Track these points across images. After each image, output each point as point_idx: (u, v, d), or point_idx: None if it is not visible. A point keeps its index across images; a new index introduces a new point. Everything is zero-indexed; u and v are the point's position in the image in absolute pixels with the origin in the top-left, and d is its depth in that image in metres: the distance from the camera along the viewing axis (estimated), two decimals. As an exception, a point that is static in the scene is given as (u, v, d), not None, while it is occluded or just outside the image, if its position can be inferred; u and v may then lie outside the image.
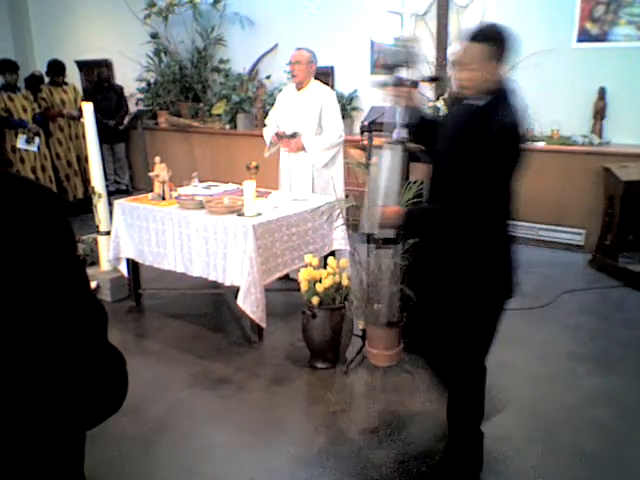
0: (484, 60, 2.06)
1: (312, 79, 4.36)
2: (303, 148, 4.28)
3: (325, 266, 3.45)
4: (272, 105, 4.72)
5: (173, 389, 3.20)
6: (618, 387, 3.09)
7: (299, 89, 4.36)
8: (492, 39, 2.09)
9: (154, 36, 7.80)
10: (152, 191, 4.17)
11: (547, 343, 3.59)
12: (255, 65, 7.38)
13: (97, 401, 0.94)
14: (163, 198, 4.07)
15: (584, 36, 5.36)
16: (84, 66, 9.02)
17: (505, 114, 2.05)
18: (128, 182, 8.21)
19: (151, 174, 4.14)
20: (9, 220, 0.80)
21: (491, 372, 3.22)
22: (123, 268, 4.27)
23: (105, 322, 0.94)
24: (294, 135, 4.27)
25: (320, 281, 3.26)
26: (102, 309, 0.94)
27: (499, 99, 2.09)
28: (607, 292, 4.35)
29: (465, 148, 2.09)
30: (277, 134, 4.39)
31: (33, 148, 6.53)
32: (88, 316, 0.90)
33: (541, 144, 5.39)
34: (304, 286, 3.30)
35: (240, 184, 3.99)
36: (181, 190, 4.23)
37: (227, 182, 4.62)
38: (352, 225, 4.10)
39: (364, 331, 3.36)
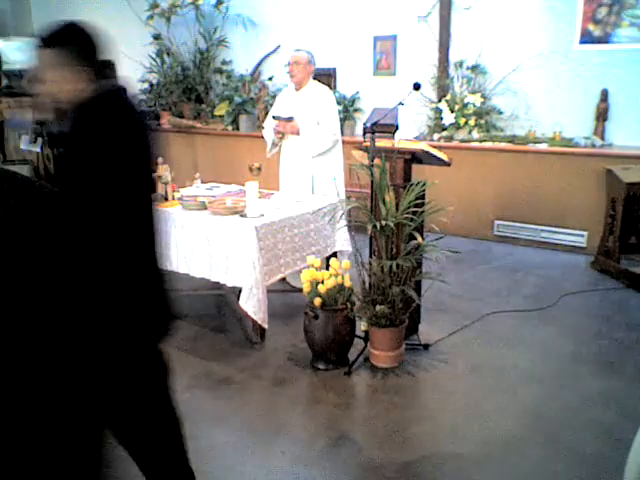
0: (62, 68, 1.67)
1: (311, 79, 4.39)
2: (297, 132, 4.31)
3: (327, 267, 3.46)
4: (274, 103, 4.74)
5: (175, 390, 3.19)
6: (620, 389, 3.09)
7: (298, 89, 4.39)
8: (67, 41, 1.71)
9: (157, 37, 7.82)
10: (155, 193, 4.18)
11: (549, 344, 3.59)
12: (257, 66, 7.39)
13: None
14: (166, 199, 4.08)
15: (586, 38, 5.36)
16: (87, 67, 9.03)
17: (107, 133, 1.61)
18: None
19: (153, 175, 4.14)
20: (16, 216, 0.81)
21: (490, 374, 3.25)
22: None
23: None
24: (290, 119, 4.30)
25: (322, 282, 3.27)
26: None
27: (93, 112, 1.66)
28: (609, 294, 4.35)
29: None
30: (273, 117, 4.43)
31: (36, 149, 6.55)
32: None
33: (543, 145, 5.40)
34: (306, 287, 3.30)
35: (242, 185, 4.00)
36: (184, 191, 4.24)
37: (229, 183, 4.63)
38: (354, 226, 4.11)
39: (366, 332, 3.36)
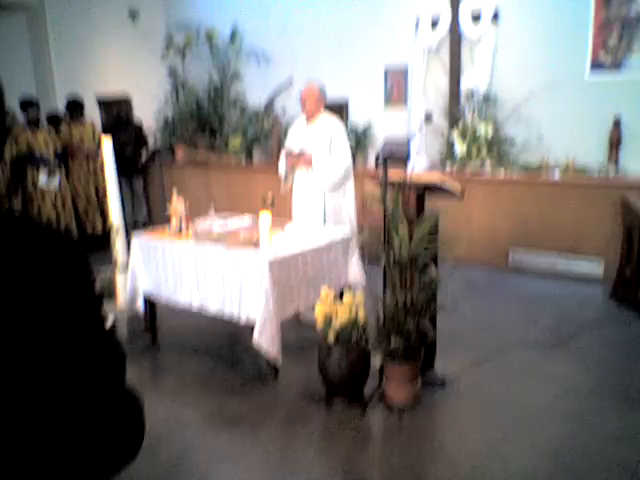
0: None
1: (322, 111, 4.43)
2: (310, 166, 4.34)
3: (341, 300, 3.42)
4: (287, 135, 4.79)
5: (188, 428, 3.16)
6: (645, 425, 2.99)
7: (309, 121, 4.43)
8: None
9: (172, 73, 7.98)
10: (169, 225, 4.21)
11: (568, 379, 3.50)
12: (271, 101, 7.48)
13: (113, 449, 0.91)
14: (180, 232, 4.10)
15: (598, 66, 5.37)
16: (104, 103, 9.22)
17: None
18: (146, 217, 8.30)
19: (169, 208, 4.17)
20: (25, 265, 0.80)
21: (510, 411, 3.16)
22: (140, 304, 4.28)
23: (123, 365, 0.93)
24: (302, 153, 4.34)
25: (336, 316, 3.23)
26: (121, 352, 0.92)
27: None
28: (628, 326, 4.25)
29: None
30: (286, 152, 4.49)
31: (54, 185, 6.65)
32: (106, 360, 0.89)
33: (556, 176, 5.36)
34: (320, 321, 3.27)
35: (256, 216, 4.00)
36: (198, 224, 4.26)
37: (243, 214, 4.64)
38: (368, 257, 4.09)
39: (382, 367, 3.31)
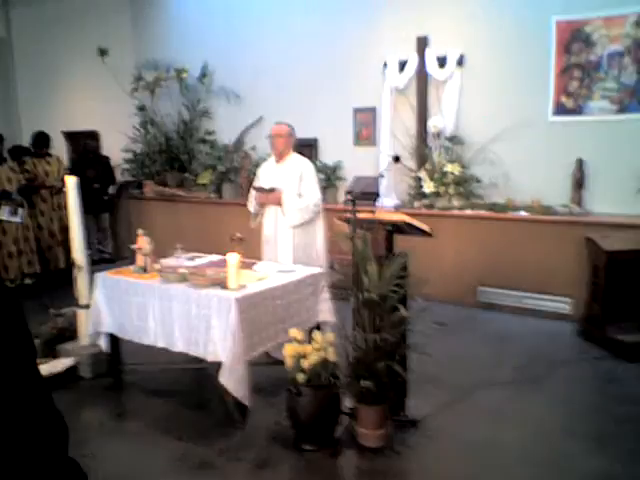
0: None
1: (291, 151, 4.45)
2: (280, 203, 4.32)
3: (310, 340, 3.36)
4: (256, 175, 4.78)
5: (153, 475, 3.02)
6: (616, 468, 2.97)
7: (279, 161, 4.44)
8: None
9: (141, 108, 7.95)
10: (135, 263, 4.11)
11: (542, 419, 3.48)
12: (240, 136, 7.50)
13: None
14: (145, 271, 4.00)
15: (560, 109, 5.54)
16: (71, 137, 9.12)
17: None
18: (112, 251, 8.15)
19: (133, 247, 4.09)
20: None
21: (482, 452, 3.12)
22: (103, 343, 4.14)
23: (65, 436, 0.86)
24: (272, 190, 4.32)
25: (305, 357, 3.17)
26: (61, 421, 0.85)
27: None
28: (597, 364, 4.28)
29: None
30: (255, 188, 4.47)
31: (17, 220, 6.48)
32: (43, 430, 0.82)
33: (522, 213, 5.46)
34: (289, 362, 3.20)
35: (225, 254, 3.94)
36: (164, 262, 4.17)
37: (213, 252, 4.58)
38: (337, 294, 4.04)
39: (352, 409, 3.24)
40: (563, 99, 5.52)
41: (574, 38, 5.41)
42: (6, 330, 0.81)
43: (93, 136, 8.81)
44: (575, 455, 3.09)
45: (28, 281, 6.66)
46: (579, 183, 5.41)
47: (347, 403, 3.27)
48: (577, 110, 5.48)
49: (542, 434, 3.31)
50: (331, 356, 3.20)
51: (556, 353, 4.48)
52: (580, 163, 5.39)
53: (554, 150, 5.58)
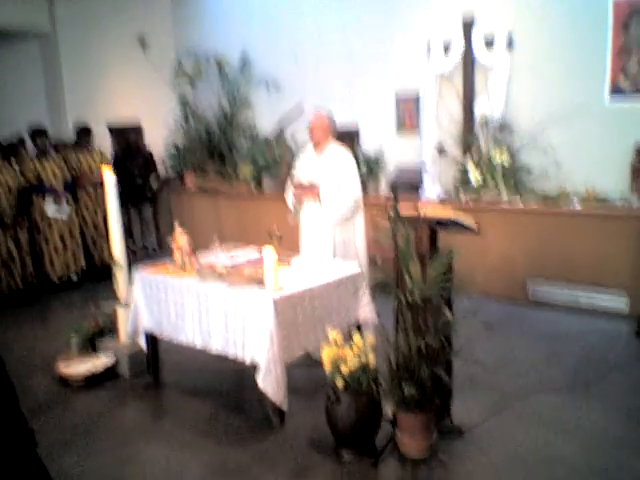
0: None
1: (331, 140, 4.29)
2: (318, 199, 4.18)
3: (351, 340, 3.22)
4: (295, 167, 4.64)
5: (188, 480, 2.96)
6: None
7: (318, 151, 4.29)
8: None
9: (182, 100, 7.92)
10: (173, 259, 4.06)
11: (597, 429, 3.24)
12: (281, 129, 7.37)
13: None
14: (183, 267, 3.94)
15: (617, 91, 5.18)
16: (115, 131, 9.20)
17: None
18: (155, 243, 8.20)
19: (171, 244, 4.02)
20: None
21: (535, 465, 2.92)
22: (142, 341, 4.12)
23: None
24: (311, 185, 4.20)
25: (345, 361, 3.03)
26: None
27: None
28: (659, 367, 3.99)
29: None
30: (293, 184, 4.37)
31: (63, 215, 6.55)
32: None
33: (576, 206, 5.15)
34: (328, 367, 3.07)
35: (264, 248, 3.82)
36: (202, 258, 4.10)
37: (253, 244, 4.48)
38: (378, 287, 3.87)
39: (394, 416, 3.09)
40: (621, 81, 5.16)
41: (633, 14, 5.03)
42: None
43: (136, 130, 8.85)
44: (635, 468, 2.86)
45: (74, 276, 6.75)
46: (638, 172, 5.05)
47: (389, 410, 3.11)
48: (636, 92, 5.11)
49: (599, 446, 3.08)
50: (371, 361, 3.05)
51: (613, 355, 4.20)
52: (639, 150, 5.03)
53: (610, 136, 5.23)
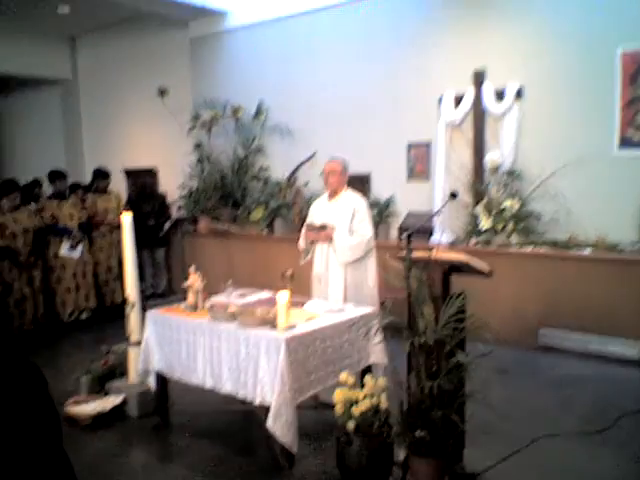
0: None
1: (345, 187, 4.38)
2: (330, 241, 4.25)
3: (362, 382, 3.21)
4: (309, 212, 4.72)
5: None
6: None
7: (332, 197, 4.37)
8: None
9: (198, 146, 8.12)
10: (186, 299, 4.09)
11: (609, 476, 3.18)
12: (294, 172, 7.52)
13: None
14: (195, 309, 3.97)
15: (626, 143, 5.27)
16: (131, 174, 9.41)
17: None
18: (165, 286, 8.25)
19: (185, 284, 4.07)
20: None
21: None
22: (152, 381, 4.11)
23: None
24: (324, 227, 4.24)
25: (356, 403, 3.02)
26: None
27: None
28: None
29: None
30: (307, 226, 4.42)
31: (76, 255, 6.64)
32: None
33: (587, 251, 5.17)
34: (339, 409, 3.06)
35: (276, 291, 3.87)
36: (214, 299, 4.13)
37: (264, 288, 4.52)
38: (390, 328, 3.86)
39: (406, 460, 3.05)
40: (630, 132, 5.26)
41: (641, 68, 5.18)
42: (33, 411, 0.77)
43: (151, 173, 9.05)
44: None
45: (84, 315, 6.78)
46: (649, 219, 5.09)
47: (400, 454, 3.07)
48: (644, 143, 5.21)
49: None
50: (383, 403, 3.04)
51: (625, 402, 4.13)
52: (649, 199, 5.08)
53: (619, 185, 5.29)
